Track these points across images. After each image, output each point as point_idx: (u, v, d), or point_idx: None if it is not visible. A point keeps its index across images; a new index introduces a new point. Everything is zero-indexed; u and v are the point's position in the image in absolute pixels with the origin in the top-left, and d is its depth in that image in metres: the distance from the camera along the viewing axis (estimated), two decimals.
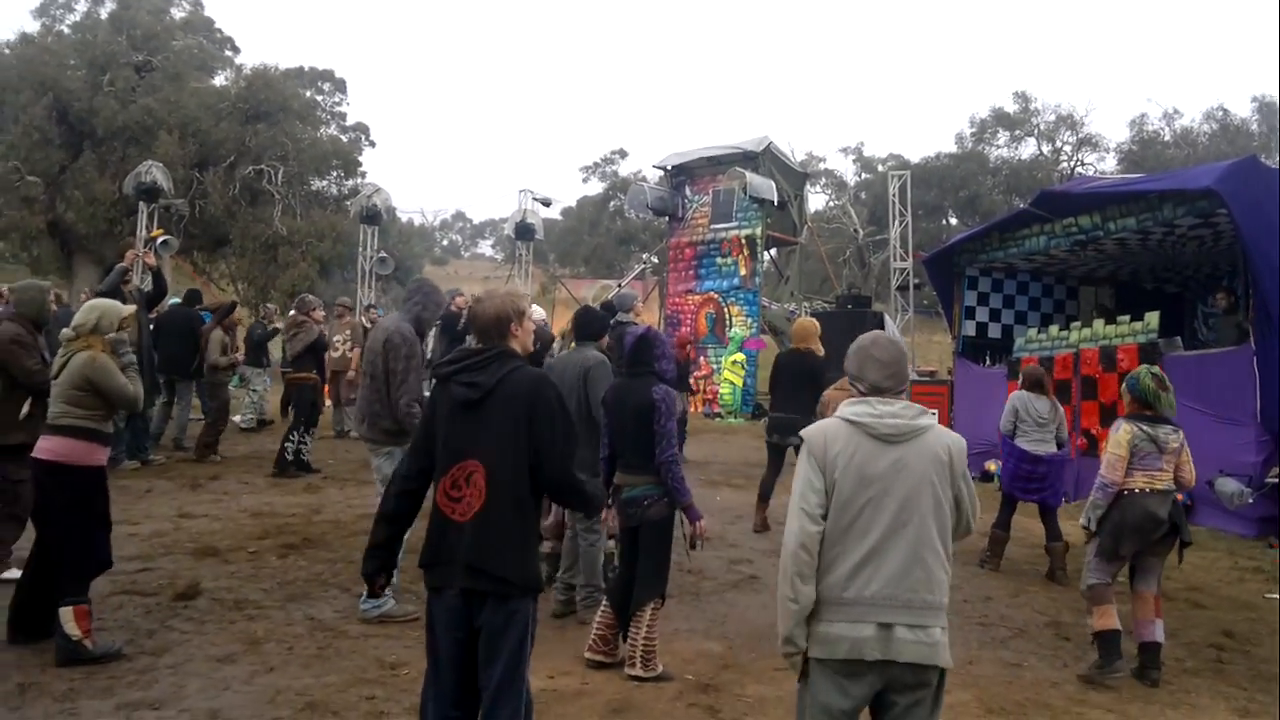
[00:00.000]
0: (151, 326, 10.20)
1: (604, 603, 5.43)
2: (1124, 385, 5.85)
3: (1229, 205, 9.35)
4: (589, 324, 6.30)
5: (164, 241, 17.13)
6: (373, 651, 5.36)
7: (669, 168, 21.38)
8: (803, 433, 3.19)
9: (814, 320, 9.72)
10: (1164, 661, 5.59)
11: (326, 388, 13.47)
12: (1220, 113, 38.51)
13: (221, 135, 24.29)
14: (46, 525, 5.12)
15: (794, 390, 8.68)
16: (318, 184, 26.32)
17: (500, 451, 3.31)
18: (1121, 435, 5.59)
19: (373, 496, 8.60)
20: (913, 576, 2.94)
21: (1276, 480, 9.28)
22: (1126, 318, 11.69)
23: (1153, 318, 11.20)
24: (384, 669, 5.12)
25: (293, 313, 10.92)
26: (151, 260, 10.17)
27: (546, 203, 22.63)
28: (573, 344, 6.42)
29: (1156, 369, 5.84)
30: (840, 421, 3.11)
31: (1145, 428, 5.56)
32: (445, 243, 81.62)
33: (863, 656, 2.92)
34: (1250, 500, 9.37)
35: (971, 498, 3.09)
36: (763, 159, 19.55)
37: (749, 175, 18.88)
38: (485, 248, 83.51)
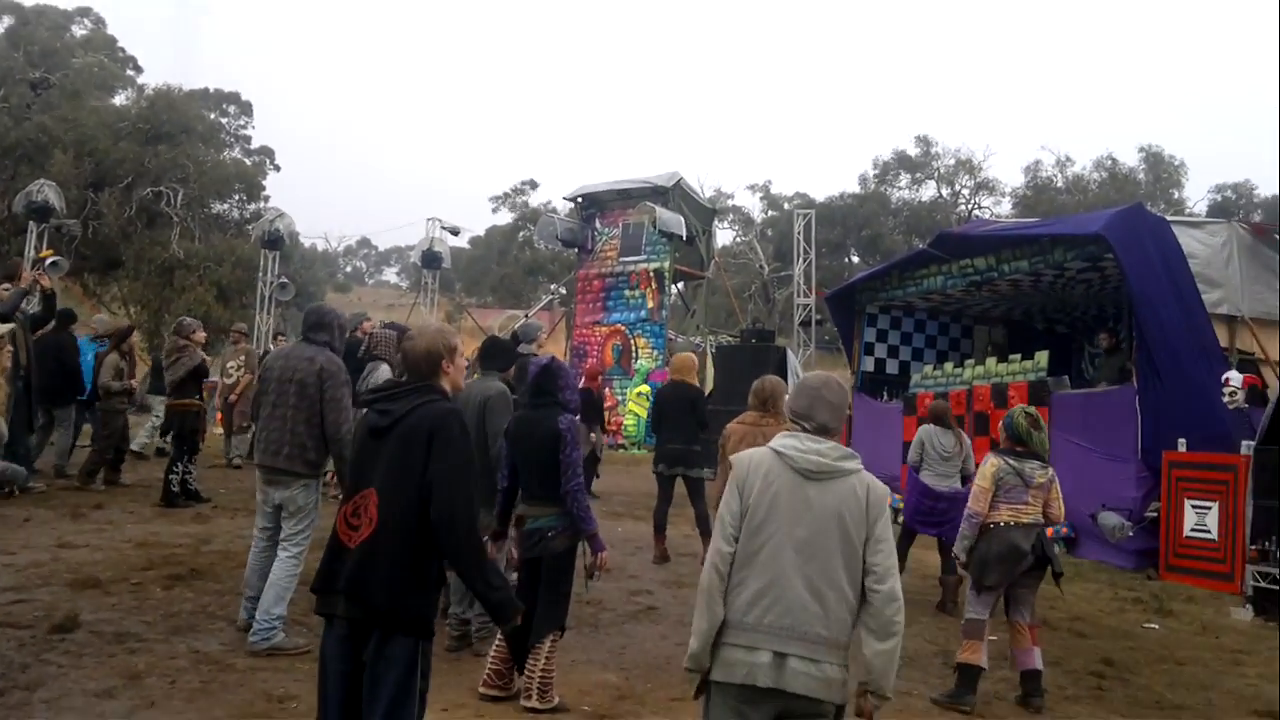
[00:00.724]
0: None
1: (499, 636, 5.37)
2: (1001, 424, 6.06)
3: (1115, 250, 9.78)
4: (496, 354, 6.26)
5: (53, 262, 16.45)
6: (260, 685, 5.19)
7: (579, 199, 21.48)
8: (732, 458, 3.25)
9: (692, 355, 10.01)
10: (1046, 689, 5.74)
11: (220, 415, 13.10)
12: (1109, 161, 40.26)
13: (120, 155, 23.56)
14: None
15: (677, 421, 8.90)
16: (218, 207, 25.69)
17: (395, 480, 3.25)
18: (987, 468, 5.79)
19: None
20: (810, 610, 2.98)
21: (1155, 514, 9.67)
22: (1018, 356, 12.11)
23: (1042, 357, 11.61)
24: (272, 703, 4.96)
25: (172, 337, 10.56)
26: (47, 283, 9.77)
27: (455, 231, 22.52)
28: (477, 374, 6.38)
29: (1031, 409, 6.05)
30: (768, 450, 3.18)
31: (1011, 462, 5.75)
32: (349, 269, 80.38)
33: (755, 683, 2.96)
34: (1130, 534, 9.75)
35: (888, 542, 3.08)
36: (673, 194, 19.78)
37: (659, 210, 19.09)
38: (390, 275, 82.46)
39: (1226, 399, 9.46)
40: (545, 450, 5.12)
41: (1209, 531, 9.12)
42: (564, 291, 33.96)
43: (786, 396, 6.14)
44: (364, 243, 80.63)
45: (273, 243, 20.25)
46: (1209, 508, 9.12)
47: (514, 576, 6.14)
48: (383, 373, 7.59)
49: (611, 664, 6.05)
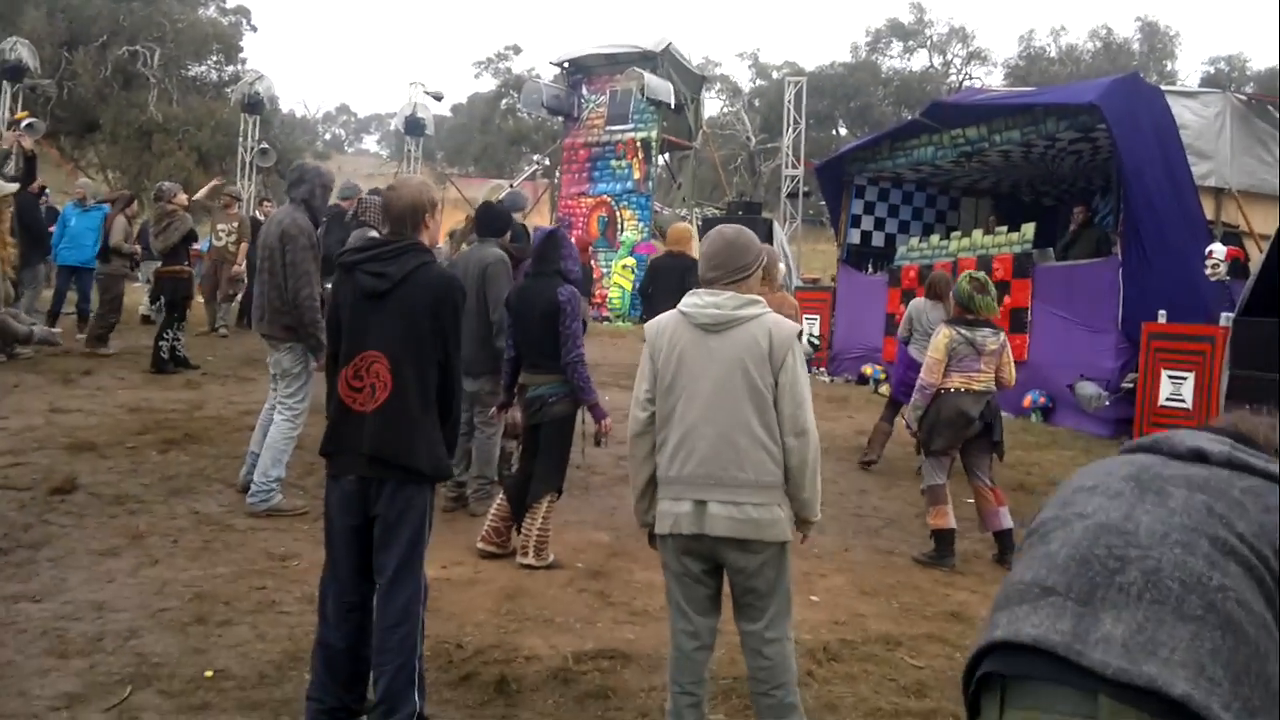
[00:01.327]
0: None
1: (499, 496, 5.52)
2: (951, 293, 6.16)
3: (1108, 120, 9.68)
4: (492, 220, 6.24)
5: (29, 124, 16.07)
6: (261, 544, 5.36)
7: (565, 64, 20.96)
8: (644, 326, 3.34)
9: (689, 226, 9.77)
10: (1019, 545, 5.97)
11: (198, 284, 13.00)
12: (1104, 31, 39.68)
13: (93, 12, 22.74)
14: None
15: (670, 293, 8.76)
16: (196, 69, 24.92)
17: (405, 344, 3.33)
18: (940, 339, 5.91)
19: (259, 393, 8.50)
20: (724, 456, 3.10)
21: (1132, 385, 9.86)
22: (1004, 228, 12.11)
23: (1028, 229, 11.61)
24: (273, 560, 5.12)
25: (156, 203, 10.41)
26: (28, 143, 9.58)
27: (438, 97, 22.06)
28: (465, 243, 6.36)
29: (979, 274, 6.16)
30: (675, 313, 3.29)
31: (963, 331, 5.87)
32: (328, 136, 78.72)
33: (681, 531, 3.13)
34: (1107, 403, 9.96)
35: (793, 385, 3.14)
36: (662, 60, 19.32)
37: (647, 76, 18.66)
38: (370, 143, 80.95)
39: (1209, 271, 9.55)
40: (545, 320, 5.18)
41: (1184, 401, 9.31)
42: (547, 162, 33.47)
43: (779, 266, 6.18)
44: (343, 109, 79.06)
45: (253, 106, 19.77)
46: (1185, 378, 9.29)
47: (512, 444, 6.31)
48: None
49: (603, 524, 6.25)
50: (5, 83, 17.73)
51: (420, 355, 3.35)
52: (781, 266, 6.26)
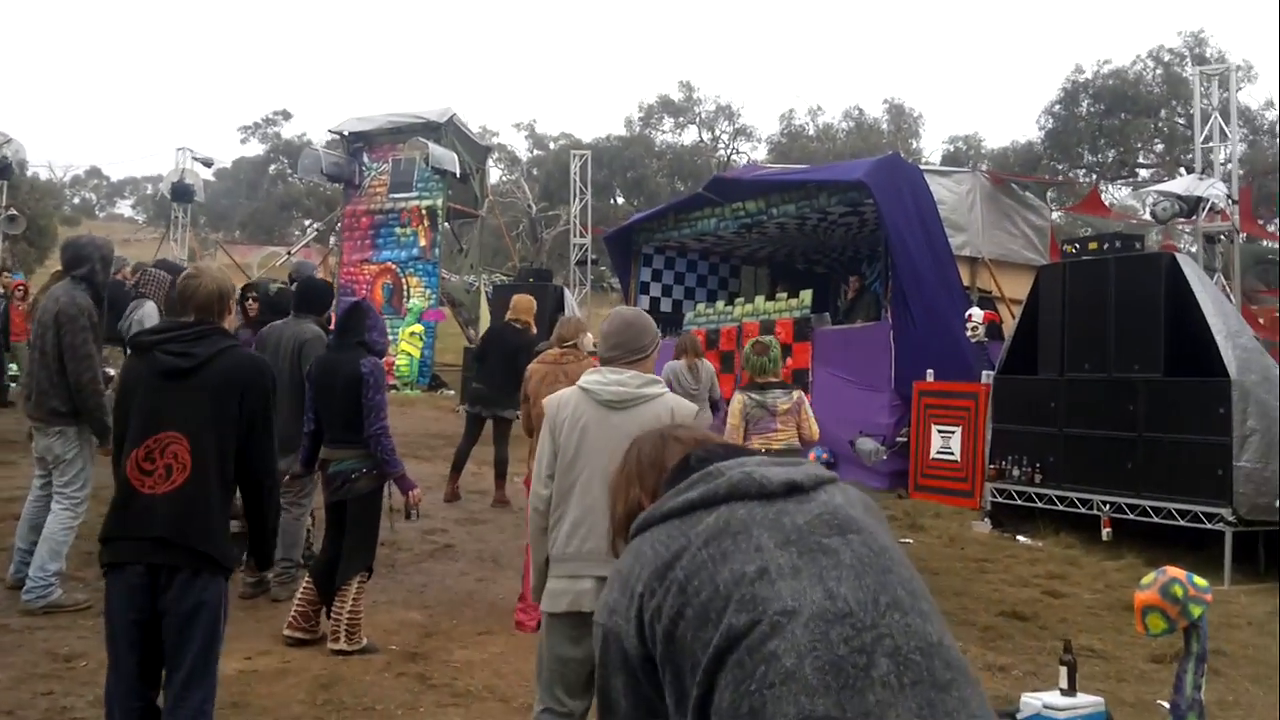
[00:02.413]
0: None
1: (305, 579, 5.29)
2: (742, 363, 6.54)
3: (875, 196, 10.51)
4: (311, 297, 6.05)
5: None
6: (42, 644, 4.91)
7: (346, 133, 20.58)
8: (543, 402, 3.35)
9: (532, 298, 9.56)
10: None
11: None
12: (857, 111, 42.90)
13: None
14: None
15: (501, 363, 8.68)
16: None
17: (208, 426, 3.20)
18: (734, 406, 6.29)
19: (19, 479, 7.77)
20: None
21: (905, 439, 10.58)
22: (784, 295, 12.80)
23: (806, 295, 12.32)
24: (58, 662, 4.71)
25: None
26: None
27: (208, 163, 21.16)
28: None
29: (765, 339, 6.60)
30: (575, 389, 3.31)
31: (754, 395, 6.21)
32: (77, 200, 73.54)
33: (581, 609, 3.10)
34: (884, 457, 10.63)
35: None
36: (445, 130, 19.29)
37: (431, 146, 18.58)
38: (124, 207, 76.05)
39: (969, 333, 10.44)
40: (348, 392, 5.04)
41: (952, 453, 10.07)
42: (320, 228, 32.59)
43: (586, 335, 6.30)
44: (94, 172, 73.85)
45: (1, 171, 18.29)
46: (953, 432, 10.06)
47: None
48: (149, 311, 7.13)
49: (414, 602, 6.10)
50: None
51: (223, 439, 3.23)
52: (589, 335, 6.37)
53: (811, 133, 42.43)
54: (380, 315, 5.56)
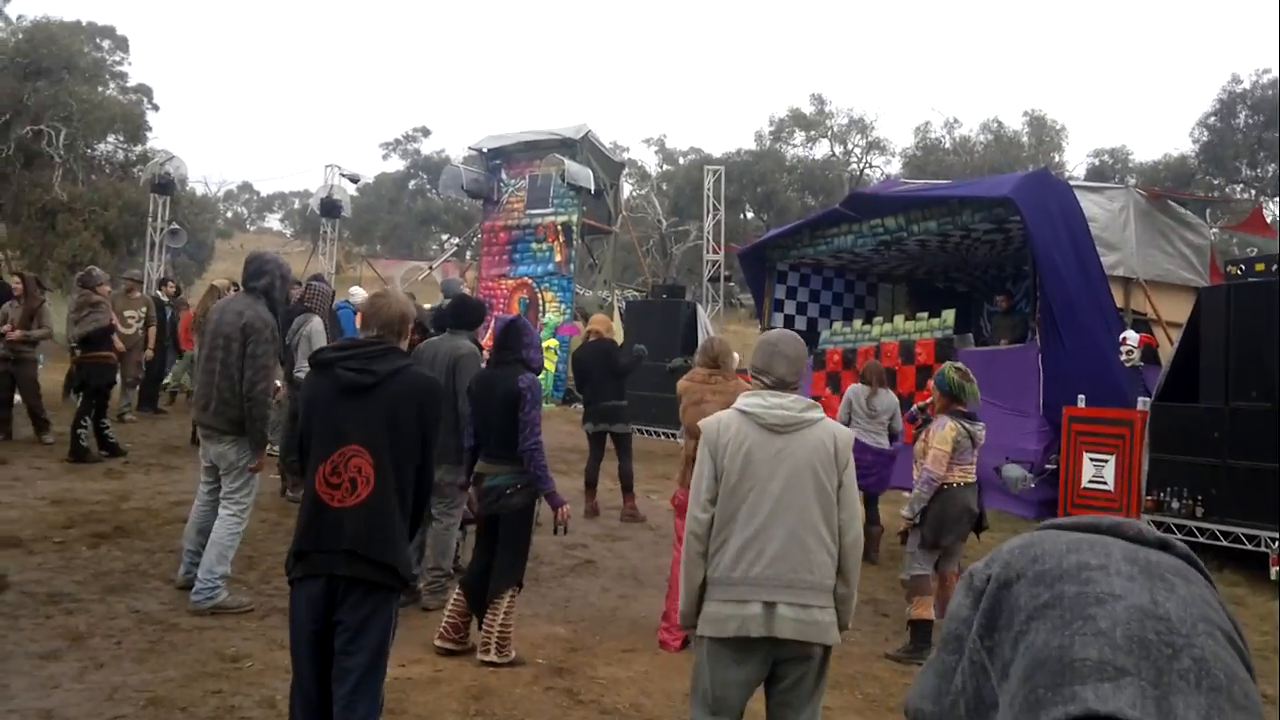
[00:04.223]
0: None
1: (456, 590, 5.40)
2: (933, 383, 6.27)
3: (1023, 212, 10.16)
4: (466, 313, 6.21)
5: None
6: (210, 644, 5.13)
7: (485, 150, 21.11)
8: (700, 423, 3.35)
9: (606, 316, 10.35)
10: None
11: None
12: (995, 124, 41.52)
13: None
14: None
15: (602, 378, 9.04)
16: (101, 148, 24.29)
17: (389, 439, 3.31)
18: (948, 432, 5.96)
19: (185, 483, 8.19)
20: (794, 558, 3.11)
21: (1054, 467, 10.18)
22: (925, 314, 12.50)
23: (949, 315, 12.02)
24: (226, 662, 4.91)
25: (82, 291, 10.03)
26: None
27: (355, 179, 21.97)
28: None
29: (960, 364, 6.29)
30: (734, 412, 3.28)
31: (966, 425, 5.98)
32: (229, 215, 77.37)
33: (749, 634, 3.09)
34: (1032, 485, 10.24)
35: (851, 488, 3.26)
36: (581, 146, 19.61)
37: (567, 162, 18.90)
38: (273, 221, 79.66)
39: (1124, 357, 9.98)
40: (506, 408, 5.13)
41: (1106, 483, 9.63)
42: (458, 243, 33.45)
43: (733, 355, 6.28)
44: (245, 187, 77.63)
45: (163, 187, 19.40)
46: (1106, 460, 9.63)
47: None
48: (316, 325, 7.43)
49: (558, 617, 6.15)
50: None
51: (401, 453, 3.33)
52: (736, 355, 6.34)
53: (948, 146, 41.40)
54: (536, 332, 5.62)
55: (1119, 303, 11.36)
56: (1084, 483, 9.80)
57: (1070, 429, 9.98)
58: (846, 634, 6.11)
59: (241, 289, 6.03)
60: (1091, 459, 9.75)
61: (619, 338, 17.44)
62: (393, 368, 3.39)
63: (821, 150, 44.11)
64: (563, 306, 19.34)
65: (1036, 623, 1.43)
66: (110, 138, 24.80)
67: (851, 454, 3.27)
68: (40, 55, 22.70)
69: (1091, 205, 11.38)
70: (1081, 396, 9.97)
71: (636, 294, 21.87)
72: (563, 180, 19.04)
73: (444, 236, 51.54)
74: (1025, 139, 40.60)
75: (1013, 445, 10.45)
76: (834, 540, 3.18)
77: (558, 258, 19.48)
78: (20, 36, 23.77)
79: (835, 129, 43.48)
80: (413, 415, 3.36)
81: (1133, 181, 26.66)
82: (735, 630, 3.11)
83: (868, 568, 8.10)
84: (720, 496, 3.20)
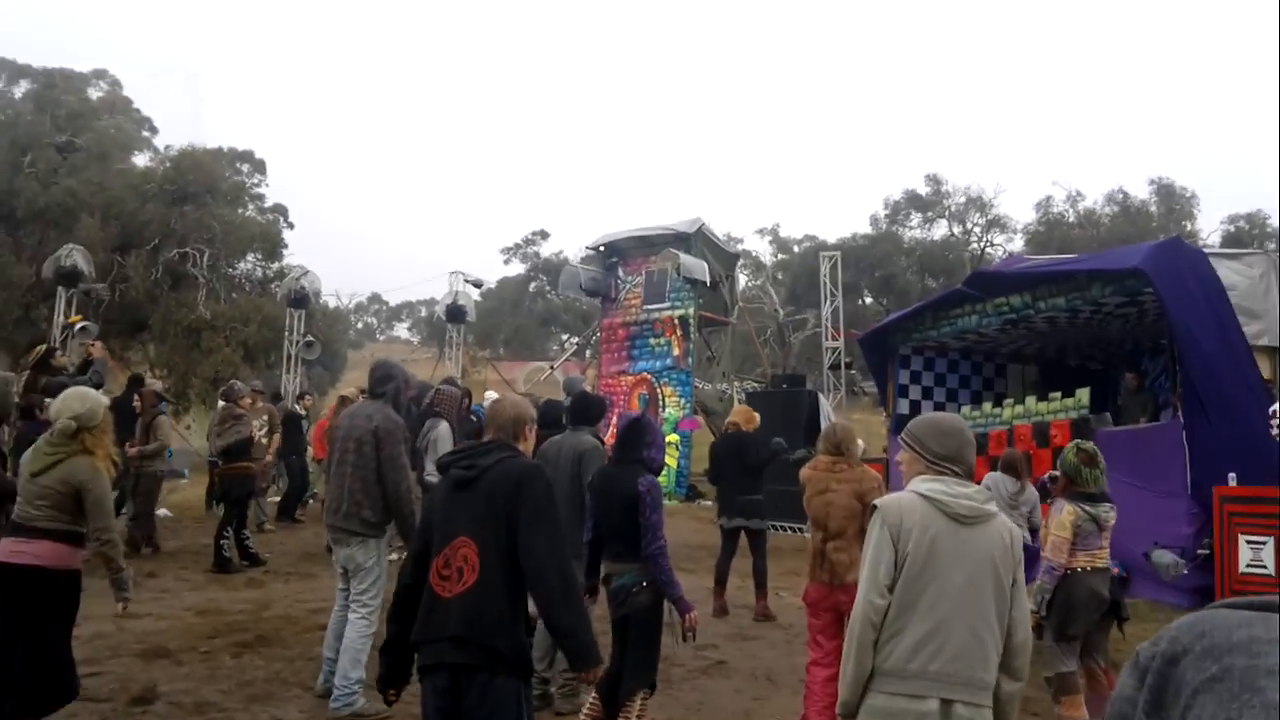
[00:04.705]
0: None
1: (591, 694, 5.35)
2: (1058, 464, 6.03)
3: (1155, 283, 9.76)
4: (587, 409, 6.31)
5: (83, 327, 16.66)
6: None
7: (601, 248, 21.58)
8: (877, 502, 3.26)
9: (749, 408, 10.12)
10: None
11: None
12: (1120, 195, 40.09)
13: (146, 217, 23.66)
14: (11, 640, 4.65)
15: (737, 472, 8.94)
16: (241, 266, 25.83)
17: (489, 529, 3.35)
18: (1065, 517, 5.72)
19: (324, 590, 8.39)
20: (973, 655, 3.01)
21: (1208, 551, 9.58)
22: (1058, 394, 12.06)
23: (1083, 394, 11.58)
24: None
25: (225, 404, 10.55)
26: (100, 351, 9.85)
27: (478, 285, 22.65)
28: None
29: (1087, 445, 6.03)
30: (915, 496, 3.18)
31: (1087, 508, 5.72)
32: (360, 326, 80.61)
33: None
34: (1185, 571, 9.64)
35: (1023, 585, 3.18)
36: (695, 240, 19.87)
37: (682, 256, 19.15)
38: (401, 330, 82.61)
39: (1275, 432, 9.42)
40: (626, 509, 5.11)
41: (1265, 567, 9.02)
42: (578, 341, 34.02)
43: (859, 441, 6.17)
44: (374, 298, 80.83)
45: (298, 301, 20.39)
46: (1264, 542, 9.04)
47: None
48: (443, 430, 7.61)
49: None
50: (61, 288, 18.42)
51: (500, 537, 3.35)
52: (861, 442, 6.22)
53: (1072, 219, 40.35)
54: (659, 430, 5.63)
55: (1265, 374, 10.75)
56: (1242, 567, 9.20)
57: (1223, 510, 9.41)
58: None
59: (368, 396, 6.26)
60: (1248, 541, 9.16)
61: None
62: (494, 460, 3.49)
63: (940, 231, 43.59)
64: (682, 401, 19.39)
65: (1204, 696, 1.42)
66: (250, 256, 26.38)
67: (1023, 550, 3.17)
68: (187, 182, 24.44)
69: (1229, 273, 10.88)
70: (1232, 475, 9.42)
71: (756, 385, 21.76)
72: (678, 274, 19.28)
73: (564, 336, 52.54)
74: (1154, 208, 39.27)
75: (1161, 529, 9.89)
76: (1002, 639, 3.07)
77: (676, 351, 19.61)
78: (168, 165, 25.65)
79: (953, 208, 42.97)
80: (508, 497, 3.38)
81: (1272, 246, 25.49)
82: None
83: None
84: (899, 583, 3.08)
